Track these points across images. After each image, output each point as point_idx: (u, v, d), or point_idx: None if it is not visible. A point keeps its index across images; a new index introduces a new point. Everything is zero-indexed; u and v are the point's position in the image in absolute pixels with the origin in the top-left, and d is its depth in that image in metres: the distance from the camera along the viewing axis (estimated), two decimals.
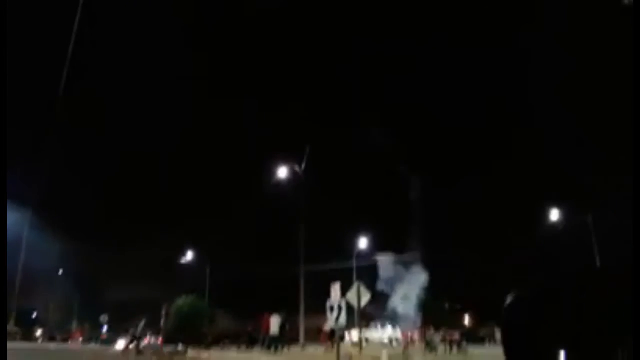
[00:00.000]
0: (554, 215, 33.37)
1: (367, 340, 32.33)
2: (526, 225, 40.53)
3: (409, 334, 40.74)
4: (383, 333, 39.82)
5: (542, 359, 1.50)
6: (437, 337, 28.65)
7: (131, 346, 24.41)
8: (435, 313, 53.41)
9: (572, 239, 32.04)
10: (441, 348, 27.82)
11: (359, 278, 32.37)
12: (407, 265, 44.67)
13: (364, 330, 32.49)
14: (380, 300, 39.41)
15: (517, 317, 1.59)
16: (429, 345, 26.85)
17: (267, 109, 64.47)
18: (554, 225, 33.54)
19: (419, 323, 43.82)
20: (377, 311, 42.10)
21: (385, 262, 43.09)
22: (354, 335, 25.39)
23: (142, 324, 25.92)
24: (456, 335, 29.16)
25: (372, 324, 42.84)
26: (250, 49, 73.68)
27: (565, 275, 1.68)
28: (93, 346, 43.08)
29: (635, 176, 5.63)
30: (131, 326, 36.85)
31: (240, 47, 71.50)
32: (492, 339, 44.45)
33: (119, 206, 59.00)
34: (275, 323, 22.97)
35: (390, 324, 41.77)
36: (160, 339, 33.59)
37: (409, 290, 44.92)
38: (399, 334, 40.76)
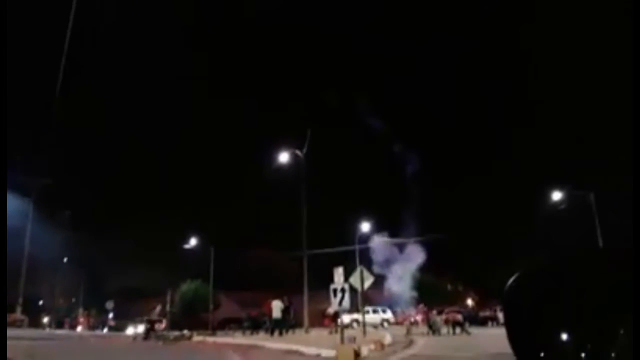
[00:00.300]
0: (556, 195, 33.34)
1: (357, 322, 32.47)
2: (529, 205, 40.59)
3: (411, 316, 41.05)
4: (374, 314, 40.06)
5: (545, 339, 1.48)
6: (439, 319, 28.81)
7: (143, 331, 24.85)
8: (437, 294, 53.89)
9: (574, 218, 32.08)
10: (444, 329, 28.02)
11: (361, 261, 32.58)
12: (402, 246, 44.75)
13: (354, 314, 32.70)
14: (376, 282, 39.41)
15: (518, 297, 1.57)
16: (432, 327, 27.03)
17: (269, 98, 64.43)
18: (556, 205, 33.53)
19: (414, 304, 44.24)
20: (374, 294, 42.39)
21: (378, 244, 43.12)
22: (345, 318, 25.71)
23: (157, 310, 26.30)
24: (459, 317, 29.26)
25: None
26: (250, 47, 73.37)
27: (567, 254, 1.66)
28: (105, 332, 43.55)
29: (635, 176, 5.60)
30: (142, 313, 37.44)
31: (240, 45, 71.28)
32: (494, 319, 44.81)
33: (122, 193, 59.22)
34: (277, 307, 23.18)
35: (380, 307, 41.90)
36: (165, 323, 33.92)
37: (403, 271, 45.20)
38: (389, 315, 41.10)
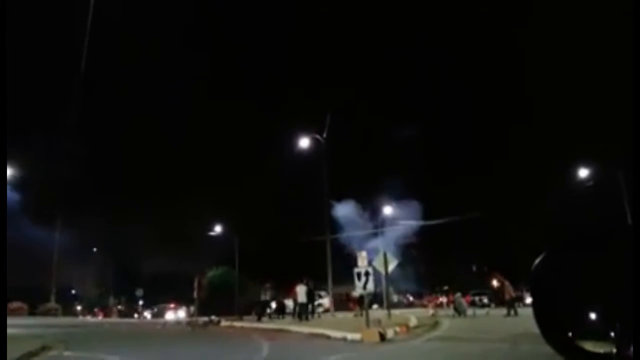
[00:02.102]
0: (583, 172, 32.62)
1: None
2: (555, 184, 39.83)
3: (437, 298, 40.94)
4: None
5: (572, 317, 1.46)
6: (463, 301, 28.68)
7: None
8: (462, 275, 53.63)
9: (602, 195, 31.37)
10: (469, 311, 27.91)
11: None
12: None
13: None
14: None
15: (546, 275, 1.55)
16: (457, 309, 26.92)
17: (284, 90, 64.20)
18: (584, 182, 32.81)
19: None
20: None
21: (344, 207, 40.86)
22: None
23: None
24: (485, 299, 29.07)
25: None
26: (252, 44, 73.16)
27: (596, 232, 1.62)
28: (148, 320, 44.63)
29: (635, 176, 5.43)
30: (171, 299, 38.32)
31: (248, 39, 71.33)
32: (521, 300, 44.38)
33: (145, 182, 60.07)
34: (301, 292, 23.37)
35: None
36: (193, 309, 34.71)
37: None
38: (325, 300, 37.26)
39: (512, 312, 24.44)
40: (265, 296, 36.67)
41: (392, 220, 39.90)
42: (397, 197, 39.76)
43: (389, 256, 20.98)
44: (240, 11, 68.70)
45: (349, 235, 38.62)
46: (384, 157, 52.70)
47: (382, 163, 50.08)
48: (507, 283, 26.98)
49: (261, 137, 69.27)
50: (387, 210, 39.05)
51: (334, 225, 35.02)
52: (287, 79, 74.83)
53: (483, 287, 44.18)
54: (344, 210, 40.34)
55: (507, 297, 26.14)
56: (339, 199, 39.03)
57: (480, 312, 29.58)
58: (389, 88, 67.05)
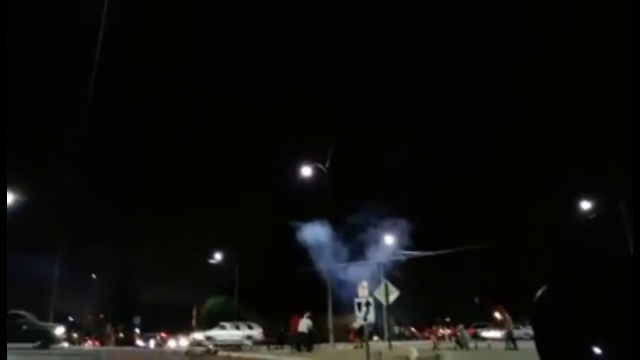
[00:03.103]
0: (585, 204, 32.56)
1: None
2: (556, 216, 39.74)
3: (438, 331, 40.36)
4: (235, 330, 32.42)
5: (574, 351, 1.45)
6: (466, 333, 28.28)
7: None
8: (465, 308, 52.97)
9: (604, 228, 31.24)
10: (471, 344, 27.49)
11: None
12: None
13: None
14: None
15: (548, 309, 1.55)
16: (459, 342, 26.54)
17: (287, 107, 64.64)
18: (585, 215, 32.73)
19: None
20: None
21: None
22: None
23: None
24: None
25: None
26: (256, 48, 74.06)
27: (599, 265, 1.63)
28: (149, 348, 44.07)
29: (635, 176, 5.44)
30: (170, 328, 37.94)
31: (249, 46, 72.10)
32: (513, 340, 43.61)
33: (145, 211, 60.19)
34: (304, 324, 23.08)
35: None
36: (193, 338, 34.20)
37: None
38: (255, 332, 32.53)
39: (512, 345, 24.24)
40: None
41: (378, 246, 35.72)
42: (383, 217, 35.55)
43: (391, 287, 20.81)
44: (240, 13, 69.53)
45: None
46: (377, 176, 51.91)
47: (374, 182, 49.46)
48: (507, 317, 26.75)
49: (263, 161, 69.46)
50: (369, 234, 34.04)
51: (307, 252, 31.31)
52: (288, 88, 74.91)
53: (485, 319, 43.64)
54: (314, 232, 33.26)
55: (507, 330, 25.96)
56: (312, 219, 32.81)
57: (482, 345, 29.09)
58: (387, 89, 67.39)
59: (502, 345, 26.21)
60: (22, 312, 25.72)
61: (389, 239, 38.68)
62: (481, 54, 60.98)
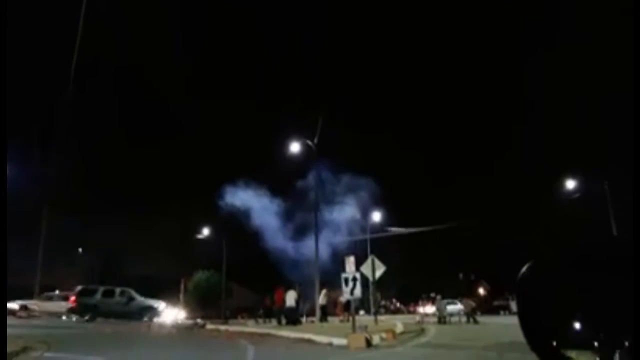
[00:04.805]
0: (570, 184, 32.92)
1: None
2: (542, 196, 40.26)
3: (424, 305, 41.04)
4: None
5: (558, 327, 1.47)
6: (444, 303, 29.16)
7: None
8: (449, 283, 53.90)
9: (589, 208, 31.70)
10: (455, 318, 28.10)
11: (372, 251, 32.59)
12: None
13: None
14: None
15: (532, 285, 1.57)
16: (439, 313, 27.39)
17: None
18: (571, 194, 33.11)
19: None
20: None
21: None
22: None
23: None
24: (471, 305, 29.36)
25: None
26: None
27: (580, 242, 1.64)
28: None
29: (635, 176, 5.49)
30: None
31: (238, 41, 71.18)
32: (507, 308, 44.70)
33: (134, 183, 59.73)
34: (291, 297, 23.32)
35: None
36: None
37: None
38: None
39: (472, 320, 26.58)
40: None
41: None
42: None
43: (377, 262, 21.04)
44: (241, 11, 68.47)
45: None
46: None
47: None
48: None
49: (252, 140, 69.15)
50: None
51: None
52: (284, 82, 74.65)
53: (470, 294, 44.46)
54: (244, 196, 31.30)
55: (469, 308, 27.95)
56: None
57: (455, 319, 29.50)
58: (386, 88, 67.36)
59: (489, 319, 27.44)
60: (131, 291, 27.08)
61: (376, 216, 39.06)
62: (481, 53, 60.88)
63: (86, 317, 26.37)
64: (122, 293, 28.28)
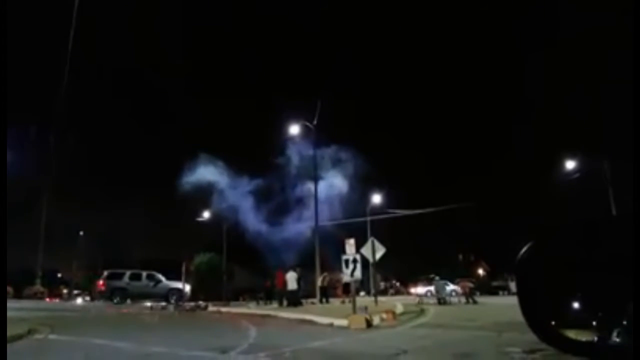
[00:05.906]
0: (569, 164, 32.77)
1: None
2: (540, 176, 40.27)
3: (424, 286, 41.34)
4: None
5: (556, 306, 1.48)
6: (442, 283, 29.50)
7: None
8: (449, 264, 54.24)
9: (588, 188, 31.69)
10: (454, 299, 28.33)
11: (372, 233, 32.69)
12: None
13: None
14: None
15: (530, 265, 1.57)
16: (438, 294, 27.64)
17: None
18: (570, 174, 33.01)
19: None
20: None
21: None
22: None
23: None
24: (470, 285, 29.71)
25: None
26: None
27: (578, 222, 1.64)
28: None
29: (635, 175, 5.46)
30: None
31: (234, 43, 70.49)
32: (506, 289, 45.07)
33: (133, 167, 59.75)
34: (292, 278, 23.46)
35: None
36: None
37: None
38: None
39: (471, 301, 26.66)
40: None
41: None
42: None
43: (377, 244, 21.14)
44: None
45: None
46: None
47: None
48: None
49: (252, 126, 68.91)
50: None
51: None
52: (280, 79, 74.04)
53: (470, 275, 44.77)
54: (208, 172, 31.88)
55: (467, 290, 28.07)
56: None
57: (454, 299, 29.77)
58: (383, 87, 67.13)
59: (489, 299, 27.71)
60: (156, 274, 27.70)
61: (376, 198, 39.13)
62: (481, 53, 60.36)
63: (115, 300, 27.02)
64: (148, 276, 29.05)
